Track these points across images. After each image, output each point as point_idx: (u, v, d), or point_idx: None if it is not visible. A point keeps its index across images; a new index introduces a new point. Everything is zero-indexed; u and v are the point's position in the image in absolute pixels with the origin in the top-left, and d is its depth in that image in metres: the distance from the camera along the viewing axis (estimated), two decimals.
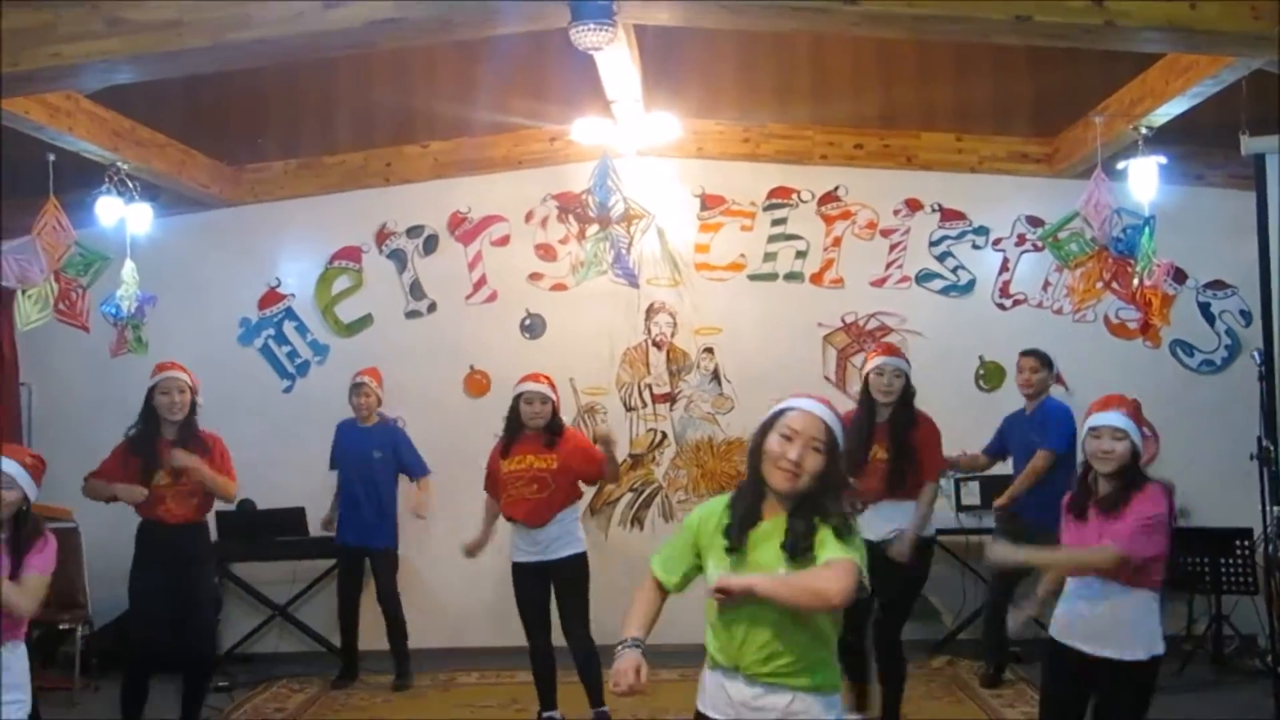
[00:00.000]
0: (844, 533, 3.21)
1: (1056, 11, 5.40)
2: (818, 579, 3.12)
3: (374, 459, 8.03)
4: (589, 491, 7.51)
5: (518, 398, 6.64)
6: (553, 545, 6.53)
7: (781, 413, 3.32)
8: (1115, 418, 4.52)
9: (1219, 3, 5.38)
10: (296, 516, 8.58)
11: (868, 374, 6.43)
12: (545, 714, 6.67)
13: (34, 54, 5.56)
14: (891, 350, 6.61)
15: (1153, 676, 4.47)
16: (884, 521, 6.14)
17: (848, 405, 8.54)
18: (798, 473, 3.23)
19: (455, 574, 8.45)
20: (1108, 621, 4.44)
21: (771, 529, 3.27)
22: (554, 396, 6.66)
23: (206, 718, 6.87)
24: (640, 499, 8.81)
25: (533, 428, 6.57)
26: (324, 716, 7.37)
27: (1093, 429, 4.54)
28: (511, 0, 5.53)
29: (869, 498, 6.16)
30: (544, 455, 6.53)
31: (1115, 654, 4.41)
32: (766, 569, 3.20)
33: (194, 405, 6.49)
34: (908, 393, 6.35)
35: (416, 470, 8.20)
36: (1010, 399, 7.79)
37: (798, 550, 3.20)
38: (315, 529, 8.53)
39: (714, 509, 3.41)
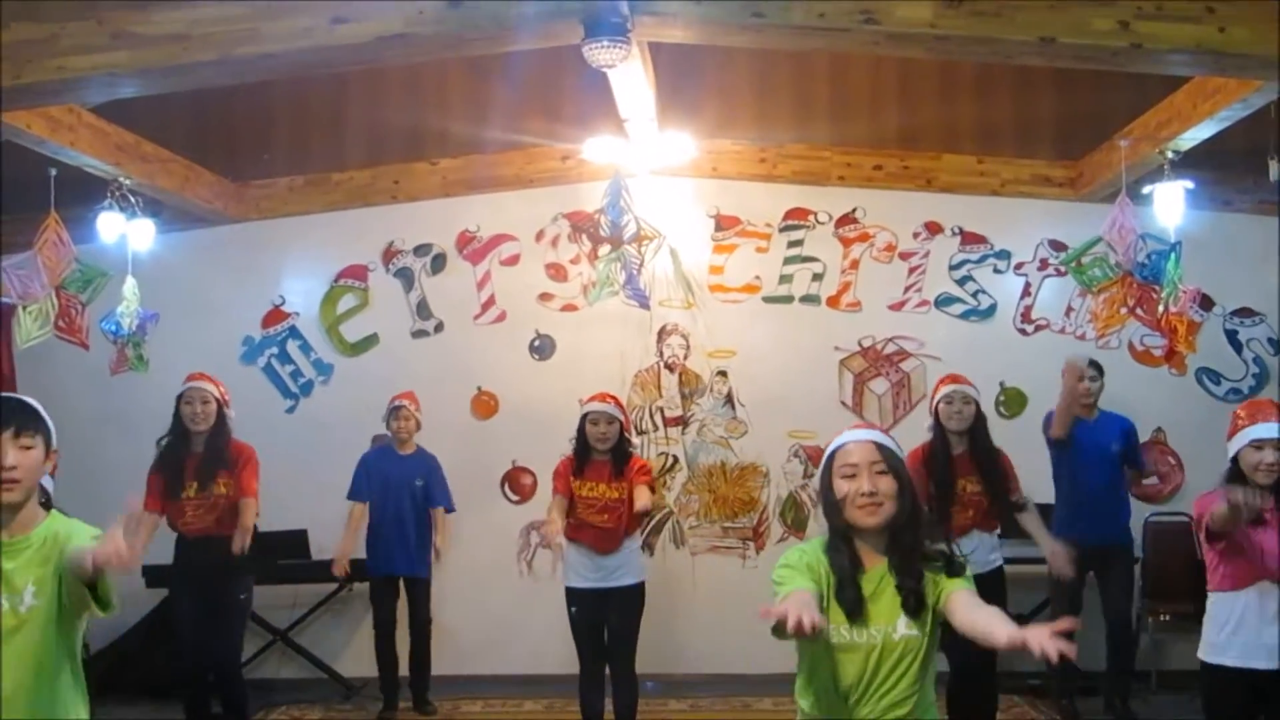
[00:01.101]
0: (955, 570, 3.23)
1: (1082, 33, 5.40)
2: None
3: (417, 487, 7.93)
4: None
5: (584, 418, 6.57)
6: (616, 572, 6.50)
7: (833, 455, 3.28)
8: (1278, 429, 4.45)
9: (1248, 26, 5.36)
10: (299, 539, 8.56)
11: (937, 405, 6.48)
12: None
13: (37, 67, 5.58)
14: (958, 379, 6.56)
15: None
16: (980, 554, 6.14)
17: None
18: (878, 501, 3.18)
19: (461, 602, 8.46)
20: None
21: (876, 578, 3.22)
22: (621, 416, 6.59)
23: None
24: (651, 524, 8.73)
25: (601, 450, 6.50)
26: None
27: (1255, 441, 4.43)
28: (524, 17, 5.53)
29: (961, 531, 6.12)
30: (614, 485, 6.49)
31: None
32: (886, 622, 3.17)
33: (222, 416, 6.60)
34: (980, 419, 6.42)
35: (444, 502, 8.06)
36: (1030, 426, 7.73)
37: (919, 609, 3.17)
38: (318, 553, 8.52)
39: (815, 554, 3.27)
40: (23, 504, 3.23)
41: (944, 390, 6.48)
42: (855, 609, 3.17)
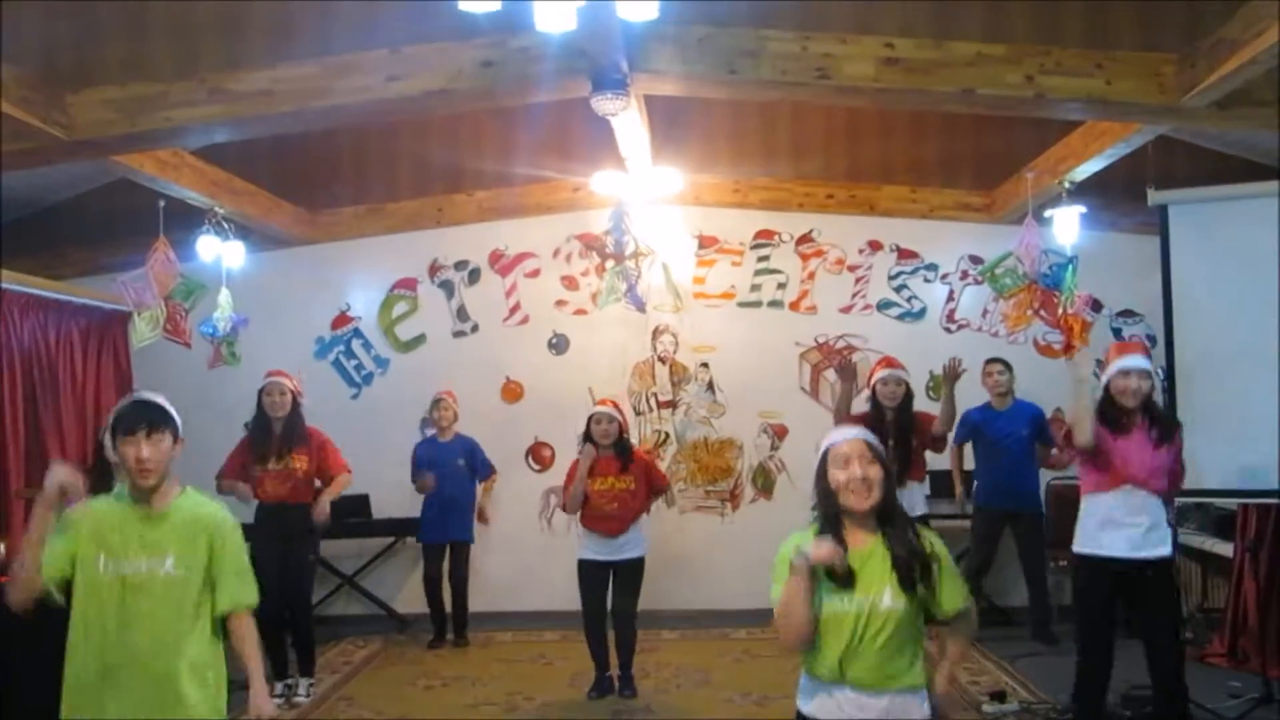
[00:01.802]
0: (936, 558, 3.13)
1: (996, 86, 5.46)
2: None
3: (459, 466, 7.93)
4: None
5: (589, 419, 6.43)
6: (623, 548, 6.37)
7: (828, 450, 3.17)
8: (1143, 360, 4.50)
9: (1130, 80, 5.42)
10: (362, 502, 8.60)
11: (874, 384, 6.50)
12: (605, 675, 6.51)
13: (149, 118, 5.62)
14: (893, 364, 6.60)
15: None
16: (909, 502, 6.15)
17: (818, 412, 8.68)
18: (868, 486, 3.07)
19: (494, 552, 8.46)
20: (1149, 528, 4.42)
21: (864, 555, 3.09)
22: (619, 417, 6.44)
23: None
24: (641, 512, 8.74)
25: (605, 445, 6.36)
26: (384, 667, 7.37)
27: (1123, 370, 4.47)
28: (543, 74, 5.56)
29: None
30: (623, 477, 6.35)
31: (1154, 553, 4.41)
32: (874, 593, 3.04)
33: (296, 405, 6.58)
34: (908, 396, 6.47)
35: (484, 473, 8.08)
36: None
37: (911, 583, 3.05)
38: (378, 513, 8.57)
39: (806, 542, 3.12)
40: (158, 486, 3.21)
41: (880, 373, 6.50)
42: (846, 578, 3.05)
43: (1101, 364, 4.74)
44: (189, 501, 3.27)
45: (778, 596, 3.08)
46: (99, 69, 5.55)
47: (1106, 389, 4.54)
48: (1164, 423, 4.50)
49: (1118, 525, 4.45)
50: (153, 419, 3.21)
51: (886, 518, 3.13)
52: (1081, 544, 4.58)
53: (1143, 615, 4.53)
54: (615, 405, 6.55)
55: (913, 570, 3.08)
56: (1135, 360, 4.48)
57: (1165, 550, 4.46)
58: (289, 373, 6.74)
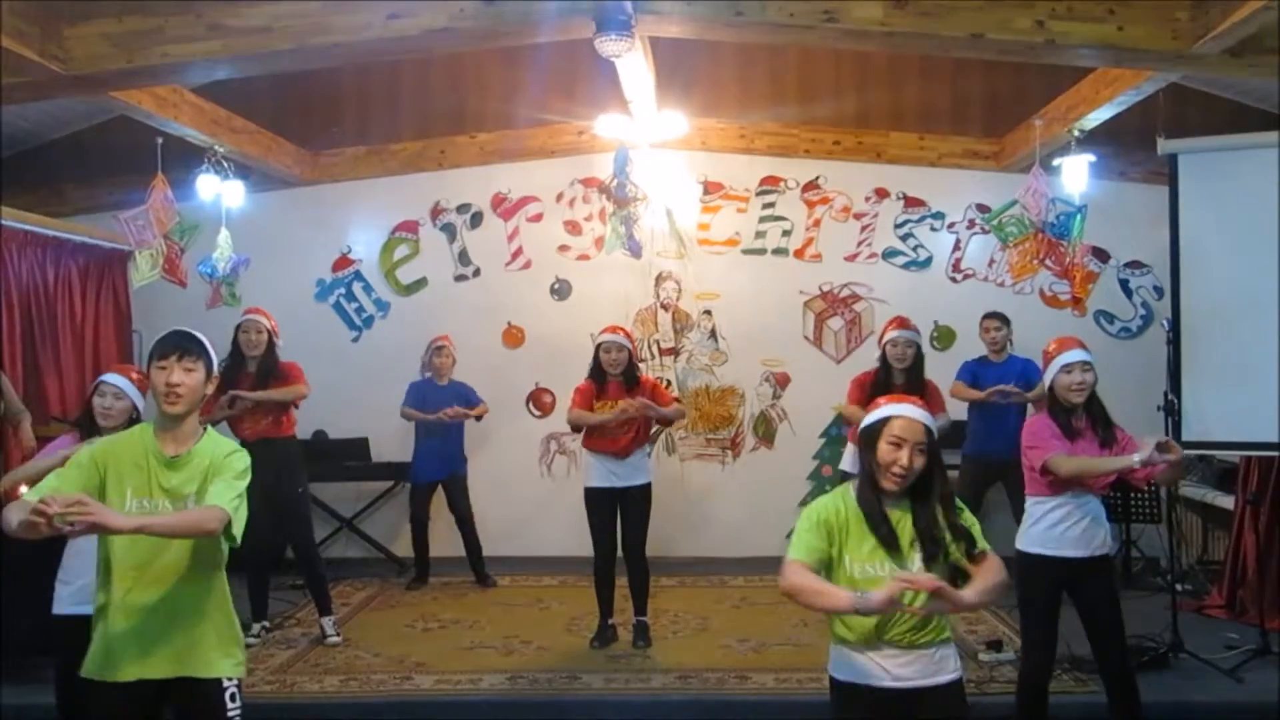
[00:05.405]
0: (964, 536, 3.12)
1: (1006, 31, 5.40)
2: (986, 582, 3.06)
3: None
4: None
5: (598, 347, 6.38)
6: (628, 474, 6.32)
7: (887, 420, 3.12)
8: (1083, 353, 4.47)
9: (1143, 26, 5.36)
10: (361, 445, 8.65)
11: (885, 344, 6.44)
12: (609, 623, 6.48)
13: (146, 53, 5.59)
14: (905, 324, 6.49)
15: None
16: None
17: (820, 361, 8.71)
18: (906, 477, 3.06)
19: (492, 498, 8.49)
20: (1090, 528, 4.43)
21: (897, 518, 3.11)
22: (629, 345, 6.37)
23: (284, 611, 6.98)
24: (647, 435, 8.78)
25: (613, 374, 6.31)
26: (381, 609, 7.43)
27: (1066, 365, 4.44)
28: (546, 14, 5.52)
29: None
30: (631, 400, 6.30)
31: (1099, 551, 4.42)
32: (905, 558, 3.07)
33: (272, 344, 6.58)
34: (919, 359, 6.37)
35: (477, 402, 8.07)
36: (958, 357, 7.75)
37: (935, 555, 3.06)
38: (376, 456, 8.62)
39: (835, 504, 3.17)
40: (184, 417, 3.20)
41: (891, 334, 6.41)
42: (891, 541, 3.07)
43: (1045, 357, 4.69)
44: (209, 443, 3.25)
45: (797, 556, 3.08)
46: (95, 2, 5.51)
47: (1052, 391, 4.52)
48: (1106, 423, 4.47)
49: (1068, 526, 4.45)
50: (187, 346, 3.21)
51: (920, 493, 3.14)
52: (1026, 543, 4.56)
53: (1086, 614, 4.53)
54: (624, 333, 6.45)
55: (936, 546, 3.09)
56: (1077, 354, 4.46)
57: (1106, 549, 4.47)
58: (268, 312, 6.73)
